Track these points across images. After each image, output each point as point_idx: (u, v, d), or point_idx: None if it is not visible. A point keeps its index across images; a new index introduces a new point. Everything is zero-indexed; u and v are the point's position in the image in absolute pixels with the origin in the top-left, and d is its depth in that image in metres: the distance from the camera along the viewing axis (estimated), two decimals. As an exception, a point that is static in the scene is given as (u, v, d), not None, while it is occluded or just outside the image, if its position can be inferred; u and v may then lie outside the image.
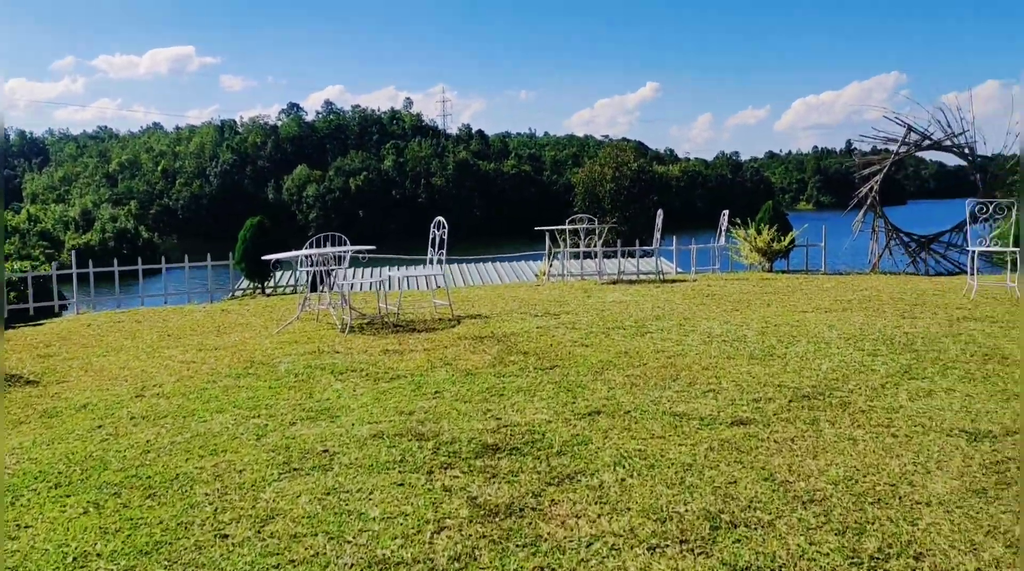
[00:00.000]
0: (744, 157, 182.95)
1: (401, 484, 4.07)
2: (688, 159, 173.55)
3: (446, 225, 9.70)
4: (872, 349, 6.93)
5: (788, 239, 15.18)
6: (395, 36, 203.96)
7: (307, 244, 9.75)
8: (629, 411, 5.20)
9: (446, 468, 4.27)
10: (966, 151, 14.81)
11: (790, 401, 5.34)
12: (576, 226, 13.61)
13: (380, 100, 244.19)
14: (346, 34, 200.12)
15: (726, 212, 13.50)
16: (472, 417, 5.18)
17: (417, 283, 11.71)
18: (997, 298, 9.78)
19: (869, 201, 15.42)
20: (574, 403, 5.44)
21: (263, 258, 9.60)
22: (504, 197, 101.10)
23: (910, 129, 14.93)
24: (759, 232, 15.22)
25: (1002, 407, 5.12)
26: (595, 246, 14.31)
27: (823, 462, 4.21)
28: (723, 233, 13.51)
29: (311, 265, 9.15)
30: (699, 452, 4.40)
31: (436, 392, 5.88)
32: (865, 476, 4.01)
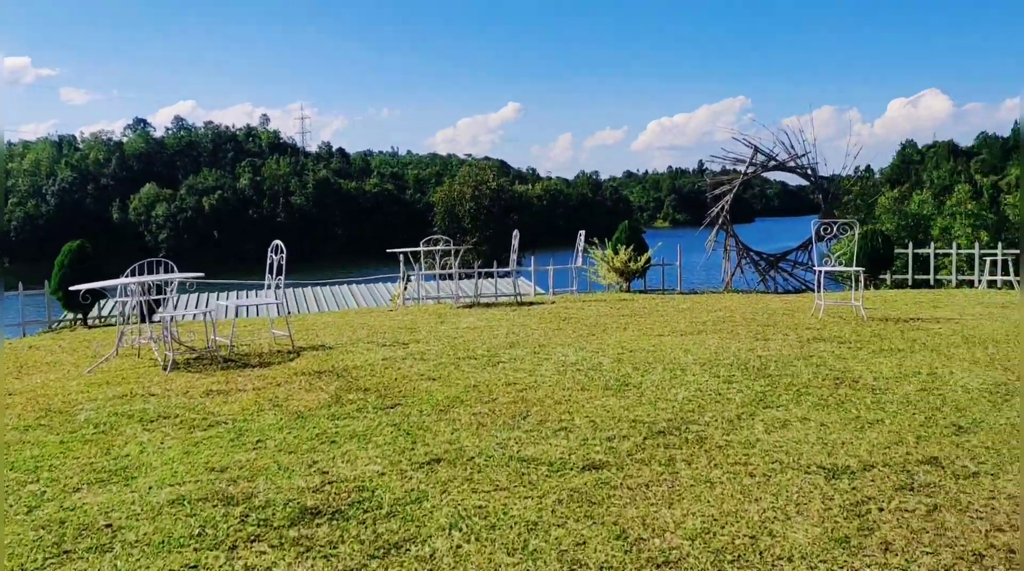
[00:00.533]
0: (604, 176, 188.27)
1: (194, 567, 3.39)
2: (550, 178, 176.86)
3: (284, 249, 8.95)
4: (727, 375, 6.73)
5: (644, 259, 15.20)
6: (250, 50, 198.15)
7: (128, 271, 8.77)
8: (473, 457, 4.69)
9: (253, 541, 3.62)
10: (808, 172, 15.31)
11: (645, 438, 4.98)
12: (431, 247, 13.07)
13: (235, 116, 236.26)
14: (198, 47, 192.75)
15: (582, 233, 13.34)
16: (295, 472, 4.53)
17: (255, 311, 10.84)
18: (843, 317, 9.94)
19: (721, 220, 15.68)
20: (413, 449, 4.88)
21: (71, 289, 8.53)
22: (367, 216, 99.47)
23: (757, 150, 15.30)
24: (616, 252, 15.17)
25: (857, 437, 4.93)
26: (452, 268, 13.82)
27: (679, 512, 3.83)
28: (580, 254, 13.34)
29: (129, 295, 8.19)
30: (546, 506, 3.93)
31: (258, 441, 5.18)
32: (723, 527, 3.65)
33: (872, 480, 4.19)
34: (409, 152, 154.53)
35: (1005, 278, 14.61)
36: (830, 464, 4.44)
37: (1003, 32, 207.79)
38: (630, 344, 8.38)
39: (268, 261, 9.01)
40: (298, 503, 4.05)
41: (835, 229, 9.82)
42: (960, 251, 15.40)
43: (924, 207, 40.41)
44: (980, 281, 14.77)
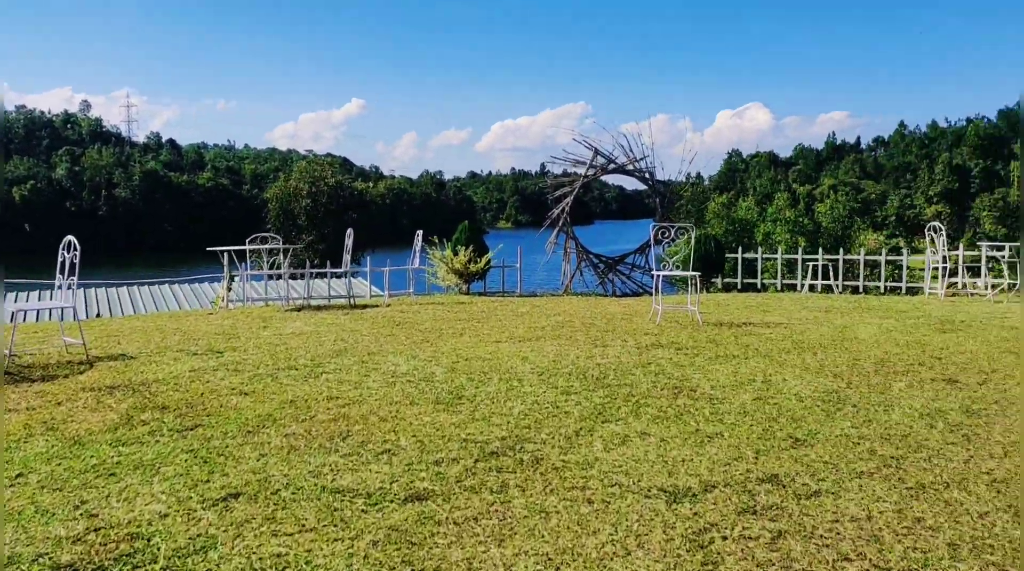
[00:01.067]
0: (448, 176, 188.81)
1: None
2: (393, 177, 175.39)
3: (78, 247, 7.90)
4: (566, 386, 6.41)
5: (485, 261, 14.86)
6: (71, 31, 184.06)
7: None
8: (278, 490, 4.07)
9: (-20, 616, 2.86)
10: (646, 175, 15.48)
11: (476, 461, 4.52)
12: (257, 246, 12.14)
13: (52, 101, 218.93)
14: (12, 25, 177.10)
15: (420, 232, 12.84)
16: (55, 516, 3.75)
17: (49, 315, 9.61)
18: (680, 322, 9.93)
19: (561, 222, 15.58)
20: (208, 482, 4.20)
21: None
22: (200, 211, 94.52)
23: (597, 152, 15.30)
24: (456, 253, 14.74)
25: (697, 453, 4.68)
26: (281, 267, 12.93)
27: (510, 551, 3.39)
28: (418, 254, 12.82)
29: None
30: (359, 550, 3.39)
31: (19, 475, 4.34)
32: (559, 569, 3.24)
33: (714, 503, 3.92)
34: (247, 146, 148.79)
35: (825, 282, 15.32)
36: (671, 486, 4.14)
37: (819, 54, 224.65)
38: (466, 352, 7.94)
39: (60, 259, 7.92)
40: (50, 559, 3.30)
41: (673, 233, 9.81)
42: (785, 256, 16.02)
43: (749, 213, 42.67)
44: (802, 285, 15.40)
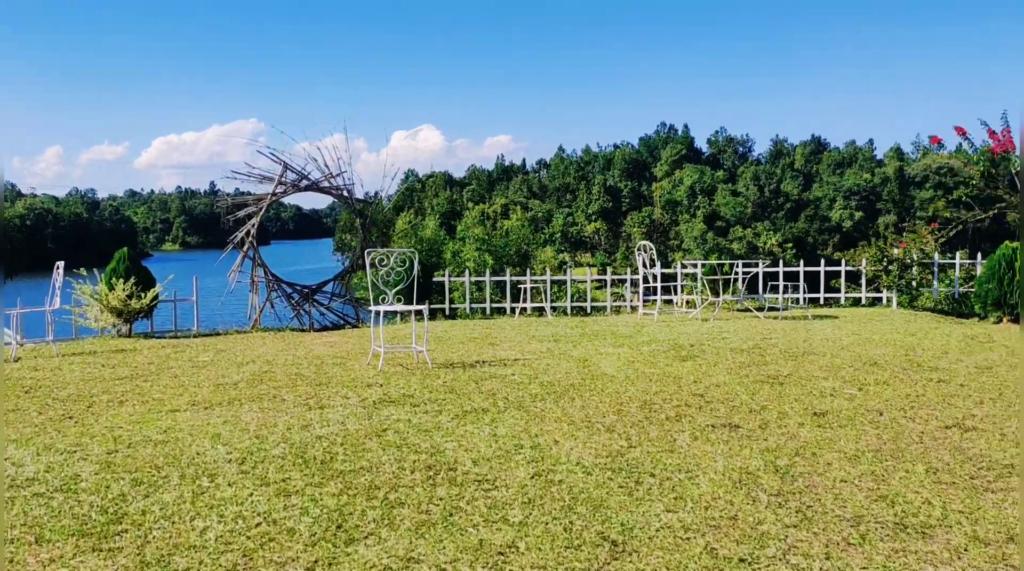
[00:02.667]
0: (102, 195, 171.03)
1: None
2: (35, 196, 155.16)
3: None
4: (281, 480, 4.60)
5: (151, 295, 12.22)
6: None
7: None
8: None
9: None
10: (345, 193, 13.81)
11: None
12: None
13: None
14: None
15: (60, 264, 10.01)
16: None
17: None
18: (405, 365, 8.41)
19: (247, 246, 13.39)
20: None
21: None
22: None
23: (287, 167, 13.35)
24: (111, 287, 11.95)
25: (502, 595, 3.20)
26: None
27: None
28: (58, 291, 9.96)
29: None
30: None
31: None
32: None
33: None
34: None
35: (535, 305, 14.74)
36: None
37: (486, 83, 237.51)
38: (129, 431, 5.75)
39: None
40: None
41: (392, 259, 8.28)
42: (494, 278, 15.20)
43: (437, 233, 42.54)
44: (517, 310, 14.68)
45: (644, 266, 13.00)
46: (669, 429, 5.64)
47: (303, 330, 13.03)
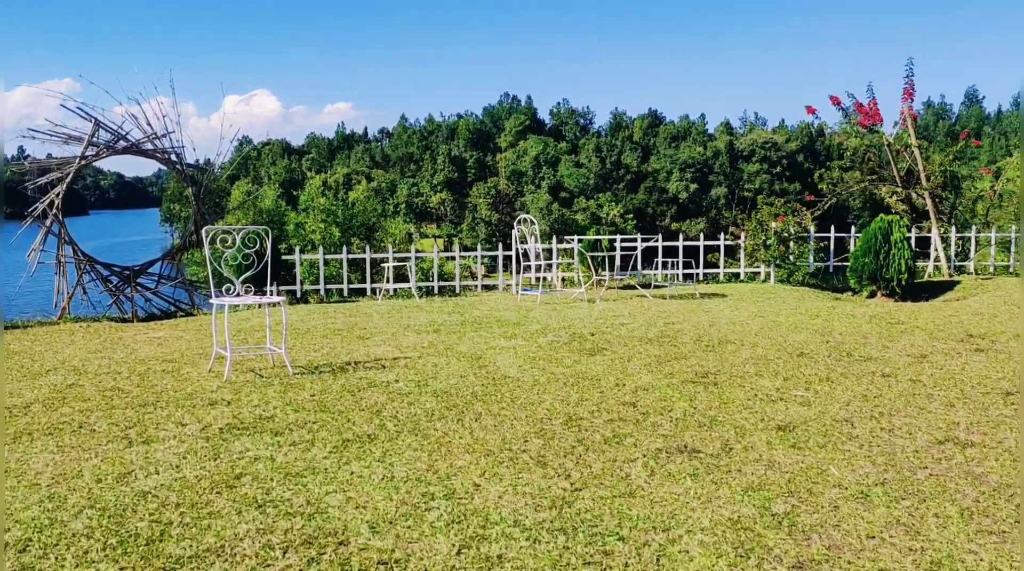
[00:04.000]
0: None
1: None
2: None
3: None
4: (87, 563, 3.03)
5: (-77, 281, 9.83)
6: None
7: None
8: None
9: None
10: (172, 157, 11.73)
11: None
12: None
13: None
14: None
15: None
16: None
17: None
18: (257, 371, 6.77)
19: (50, 220, 11.10)
20: None
21: None
22: None
23: (99, 125, 11.12)
24: None
25: None
26: None
27: None
28: None
29: None
30: None
31: None
32: None
33: None
34: None
35: (401, 286, 13.24)
36: None
37: (324, 47, 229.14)
38: None
39: None
40: None
41: (238, 238, 6.59)
42: (351, 256, 13.53)
43: (278, 204, 39.76)
44: (379, 292, 13.15)
45: (525, 242, 11.77)
46: (614, 458, 4.43)
47: (124, 320, 10.96)
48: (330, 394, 5.81)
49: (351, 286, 13.33)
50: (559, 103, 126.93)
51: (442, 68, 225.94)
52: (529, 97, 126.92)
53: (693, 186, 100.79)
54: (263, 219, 32.97)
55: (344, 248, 13.83)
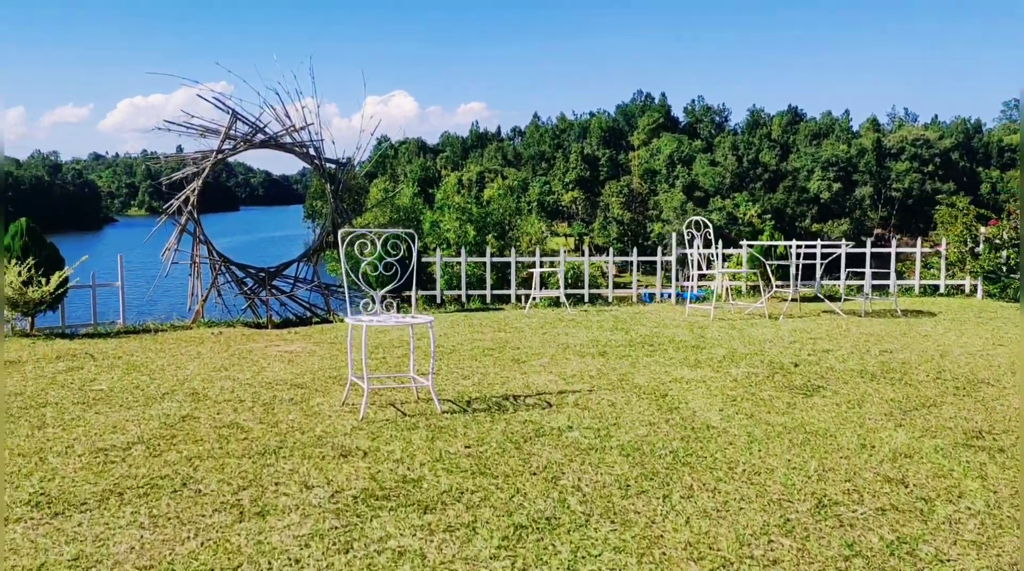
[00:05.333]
0: (66, 158, 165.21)
1: None
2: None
3: None
4: None
5: (56, 281, 9.33)
6: None
7: None
8: None
9: None
10: (311, 152, 10.92)
11: None
12: None
13: None
14: None
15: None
16: None
17: None
18: (400, 410, 5.66)
19: (185, 217, 10.50)
20: None
21: None
22: None
23: (236, 117, 10.43)
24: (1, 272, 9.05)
25: None
26: None
27: None
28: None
29: None
30: None
31: None
32: None
33: None
34: None
35: (549, 294, 11.97)
36: None
37: (459, 49, 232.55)
38: None
39: None
40: None
41: (380, 243, 5.49)
42: (495, 259, 12.41)
43: (414, 202, 39.46)
44: (524, 299, 11.96)
45: (696, 248, 10.22)
46: (915, 583, 2.99)
47: (259, 325, 10.22)
48: (489, 446, 4.58)
49: (495, 292, 12.21)
50: (693, 100, 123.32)
51: (574, 67, 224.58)
52: (663, 94, 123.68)
53: (836, 185, 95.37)
54: (400, 217, 32.66)
55: (486, 250, 12.71)
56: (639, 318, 10.01)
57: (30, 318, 9.57)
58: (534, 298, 11.45)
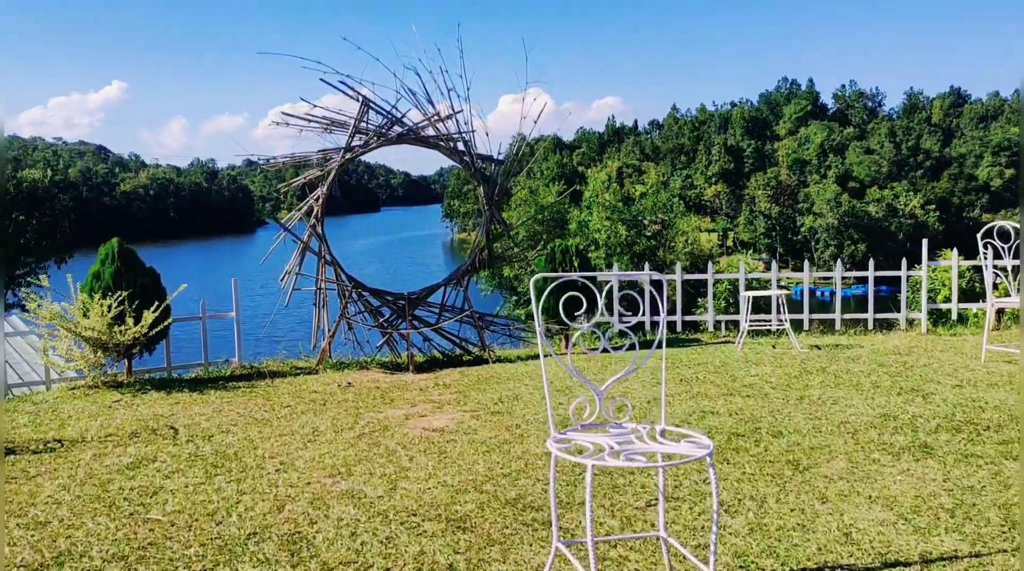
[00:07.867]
0: (222, 165, 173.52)
1: None
2: (158, 166, 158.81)
3: None
4: None
5: (149, 318, 7.45)
6: None
7: None
8: None
9: None
10: (459, 146, 8.70)
11: None
12: None
13: None
14: None
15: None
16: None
17: None
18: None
19: (307, 234, 8.51)
20: None
21: None
22: None
23: (368, 105, 8.33)
24: (86, 308, 7.27)
25: None
26: None
27: None
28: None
29: None
30: None
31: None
32: None
33: None
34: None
35: (758, 319, 9.15)
36: None
37: (591, 46, 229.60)
38: None
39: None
40: None
41: (613, 294, 3.12)
42: (687, 277, 9.83)
43: (561, 200, 37.11)
44: (739, 335, 9.32)
45: (987, 262, 7.29)
46: None
47: (397, 366, 8.10)
48: None
49: (685, 318, 9.63)
50: (844, 86, 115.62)
51: (713, 57, 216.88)
52: (811, 80, 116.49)
53: (1009, 171, 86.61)
54: (545, 216, 30.46)
55: (677, 268, 10.13)
56: (914, 363, 7.16)
57: (127, 361, 7.81)
58: (744, 331, 8.73)
